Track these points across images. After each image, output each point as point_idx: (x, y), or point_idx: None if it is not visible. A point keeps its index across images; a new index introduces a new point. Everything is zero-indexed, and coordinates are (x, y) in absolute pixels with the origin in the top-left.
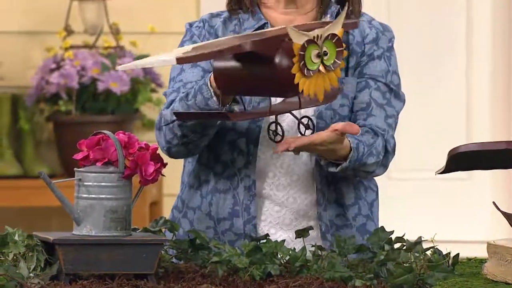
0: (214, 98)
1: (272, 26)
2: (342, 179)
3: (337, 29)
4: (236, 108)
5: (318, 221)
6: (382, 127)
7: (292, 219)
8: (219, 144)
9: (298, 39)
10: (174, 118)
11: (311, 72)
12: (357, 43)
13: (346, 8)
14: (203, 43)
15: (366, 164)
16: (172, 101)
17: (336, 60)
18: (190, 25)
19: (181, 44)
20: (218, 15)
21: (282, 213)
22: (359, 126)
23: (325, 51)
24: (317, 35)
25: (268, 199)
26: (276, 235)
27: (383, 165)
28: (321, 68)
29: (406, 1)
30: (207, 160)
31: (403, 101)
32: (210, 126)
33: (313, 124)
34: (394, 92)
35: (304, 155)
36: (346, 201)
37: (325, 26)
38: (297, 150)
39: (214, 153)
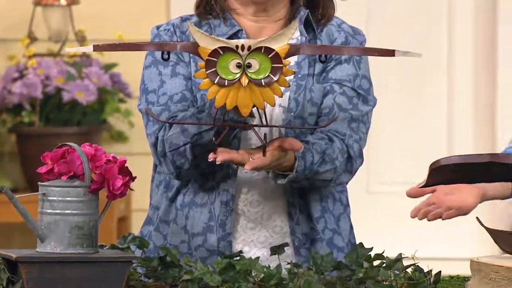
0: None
1: (246, 34)
2: (309, 190)
3: (278, 44)
4: (252, 121)
5: (292, 236)
6: (343, 132)
7: (267, 236)
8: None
9: (207, 43)
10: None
11: (225, 81)
12: None
13: (293, 24)
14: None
15: (320, 172)
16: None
17: (271, 76)
18: (157, 28)
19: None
20: (187, 19)
21: (256, 230)
22: (318, 132)
23: (249, 63)
24: (241, 45)
25: (243, 216)
26: (250, 253)
27: (348, 171)
28: (243, 80)
29: (386, 6)
30: None
31: (372, 105)
32: (226, 142)
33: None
34: (362, 97)
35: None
36: (314, 213)
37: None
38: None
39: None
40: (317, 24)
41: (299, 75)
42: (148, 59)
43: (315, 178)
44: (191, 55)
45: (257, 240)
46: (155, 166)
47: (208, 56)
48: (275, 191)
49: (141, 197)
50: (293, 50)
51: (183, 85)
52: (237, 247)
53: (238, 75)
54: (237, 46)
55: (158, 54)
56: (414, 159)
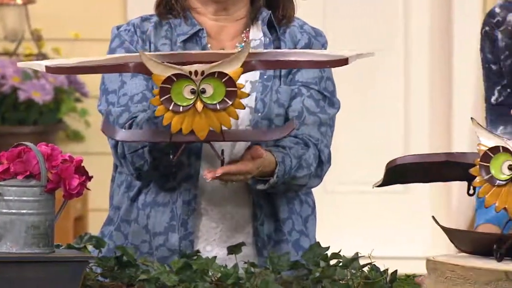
0: None
1: (207, 33)
2: (276, 192)
3: (231, 68)
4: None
5: (255, 236)
6: (315, 137)
7: (229, 236)
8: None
9: (160, 71)
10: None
11: (180, 107)
12: None
13: (247, 46)
14: (94, 58)
15: (296, 177)
16: (130, 124)
17: (226, 99)
18: (118, 28)
19: (111, 51)
20: (147, 19)
21: (218, 229)
22: (291, 136)
23: (203, 89)
24: (195, 71)
25: (205, 215)
26: (212, 253)
27: (318, 176)
28: (198, 105)
29: (342, 6)
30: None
31: (338, 108)
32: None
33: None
34: (328, 100)
35: None
36: (281, 215)
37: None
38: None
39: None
40: (279, 25)
41: (265, 76)
42: None
43: (291, 183)
44: (152, 52)
45: (219, 239)
46: (116, 166)
47: (162, 83)
48: (239, 191)
49: (98, 196)
50: (248, 68)
51: (143, 85)
52: (199, 246)
53: (192, 101)
54: (190, 72)
55: (116, 53)
56: (370, 159)
